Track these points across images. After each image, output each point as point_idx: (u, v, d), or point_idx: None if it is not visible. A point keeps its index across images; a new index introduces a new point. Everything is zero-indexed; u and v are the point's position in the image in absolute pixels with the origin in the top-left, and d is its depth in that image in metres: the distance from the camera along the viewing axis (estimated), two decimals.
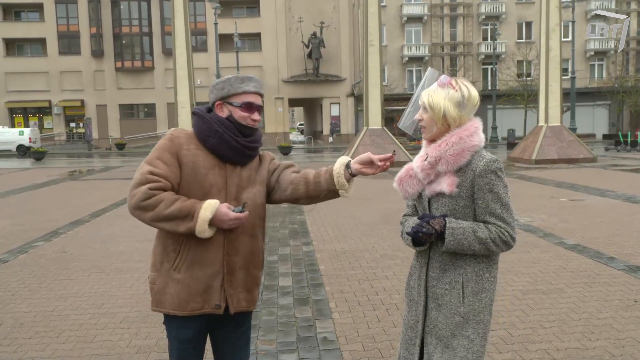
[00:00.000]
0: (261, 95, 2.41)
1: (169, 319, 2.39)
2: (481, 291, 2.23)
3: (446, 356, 2.22)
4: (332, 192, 2.40)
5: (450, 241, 2.16)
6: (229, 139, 2.31)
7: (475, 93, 2.25)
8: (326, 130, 46.14)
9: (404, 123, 2.40)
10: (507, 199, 2.22)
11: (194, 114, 2.43)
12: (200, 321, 2.37)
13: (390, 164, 2.32)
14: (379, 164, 2.30)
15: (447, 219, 2.19)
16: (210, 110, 2.41)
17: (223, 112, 2.36)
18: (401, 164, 2.49)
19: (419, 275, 2.34)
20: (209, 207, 2.21)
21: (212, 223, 2.24)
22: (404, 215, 2.47)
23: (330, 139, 44.65)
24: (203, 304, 2.32)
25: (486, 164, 2.18)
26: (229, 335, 2.49)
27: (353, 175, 2.36)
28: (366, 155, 2.33)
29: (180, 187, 2.30)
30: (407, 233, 2.23)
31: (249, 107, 2.33)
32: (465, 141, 2.20)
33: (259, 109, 2.38)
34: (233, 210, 2.24)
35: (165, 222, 2.22)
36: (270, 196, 2.51)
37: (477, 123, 2.27)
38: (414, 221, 2.28)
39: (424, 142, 2.37)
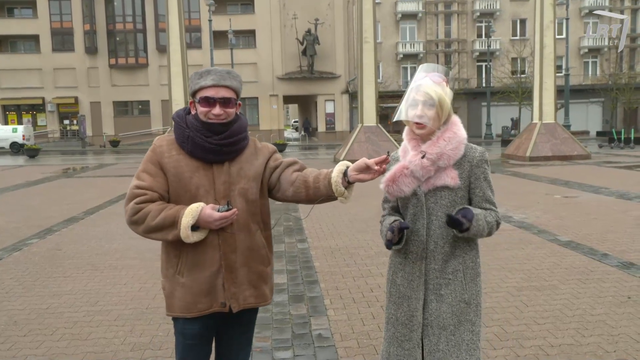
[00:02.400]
0: (229, 88, 2.30)
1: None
2: (477, 275, 2.38)
3: (452, 343, 2.28)
4: (331, 197, 2.37)
5: (474, 227, 2.23)
6: (201, 142, 2.29)
7: None
8: (321, 127, 46.12)
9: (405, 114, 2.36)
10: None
11: (172, 119, 2.43)
12: (207, 319, 2.39)
13: (386, 165, 2.29)
14: (376, 167, 2.23)
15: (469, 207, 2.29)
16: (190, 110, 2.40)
17: (194, 110, 2.36)
18: None
19: (410, 271, 2.36)
20: (190, 213, 2.21)
21: (200, 226, 2.24)
22: (383, 215, 2.50)
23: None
24: (210, 303, 2.34)
25: (481, 155, 2.34)
26: (233, 334, 2.51)
27: (350, 183, 2.32)
28: (361, 161, 2.25)
29: (170, 194, 2.33)
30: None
31: (207, 102, 2.29)
32: (458, 135, 2.31)
33: (224, 102, 2.29)
34: (218, 210, 2.22)
35: (155, 232, 2.26)
36: (273, 194, 2.49)
37: (457, 117, 2.41)
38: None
39: (406, 140, 2.37)
